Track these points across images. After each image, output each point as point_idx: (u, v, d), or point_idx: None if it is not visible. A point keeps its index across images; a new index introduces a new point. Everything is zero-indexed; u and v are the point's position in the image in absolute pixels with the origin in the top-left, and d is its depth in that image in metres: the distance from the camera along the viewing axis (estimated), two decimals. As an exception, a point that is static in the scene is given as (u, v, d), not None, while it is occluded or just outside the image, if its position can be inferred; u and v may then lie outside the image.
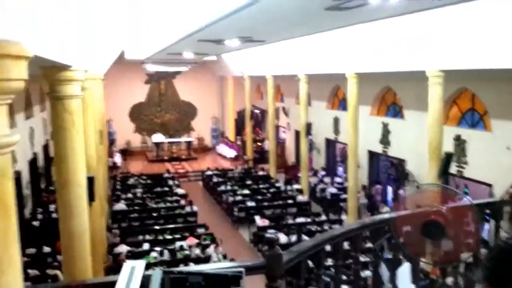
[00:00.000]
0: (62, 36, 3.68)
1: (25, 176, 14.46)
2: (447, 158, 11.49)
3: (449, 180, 13.14)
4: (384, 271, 4.21)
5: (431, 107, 11.18)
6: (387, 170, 17.21)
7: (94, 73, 9.62)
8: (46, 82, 5.20)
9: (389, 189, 17.34)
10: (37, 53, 2.56)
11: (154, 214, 15.98)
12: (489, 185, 12.25)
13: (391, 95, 16.66)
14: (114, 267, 11.04)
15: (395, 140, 16.13)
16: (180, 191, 19.01)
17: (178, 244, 12.91)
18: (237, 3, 6.76)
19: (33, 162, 15.63)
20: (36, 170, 16.02)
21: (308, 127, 18.27)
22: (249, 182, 20.09)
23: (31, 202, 15.05)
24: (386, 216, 4.39)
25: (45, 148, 17.90)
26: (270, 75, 20.96)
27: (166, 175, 21.84)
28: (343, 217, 15.55)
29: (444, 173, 11.54)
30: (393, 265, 4.15)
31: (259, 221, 15.10)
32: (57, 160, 5.60)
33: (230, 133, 29.32)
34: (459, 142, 13.11)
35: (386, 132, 16.54)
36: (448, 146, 12.48)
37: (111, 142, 26.25)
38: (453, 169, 12.40)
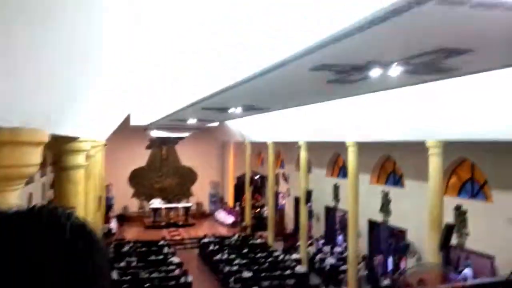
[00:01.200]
0: (72, 111, 3.78)
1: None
2: (448, 230, 11.33)
3: (450, 251, 12.90)
4: None
5: (431, 177, 11.23)
6: (388, 241, 16.92)
7: (98, 140, 9.75)
8: (51, 152, 5.26)
9: (390, 260, 16.93)
10: (51, 132, 2.62)
11: (146, 286, 15.42)
12: (491, 258, 12.01)
13: (390, 164, 16.78)
14: None
15: (396, 209, 16.00)
16: (175, 260, 18.52)
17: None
18: (243, 76, 7.01)
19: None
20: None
21: (308, 194, 18.19)
22: (246, 250, 19.64)
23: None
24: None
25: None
26: (271, 141, 21.23)
27: (162, 242, 21.40)
28: (344, 289, 15.06)
29: (445, 245, 11.34)
30: None
31: (256, 293, 14.57)
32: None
33: (230, 198, 29.12)
34: (460, 212, 13.03)
35: (386, 201, 16.46)
36: (449, 216, 12.38)
37: (109, 207, 25.97)
38: (454, 240, 12.20)
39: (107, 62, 3.30)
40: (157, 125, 23.00)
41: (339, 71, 6.21)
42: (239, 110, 14.09)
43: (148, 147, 29.36)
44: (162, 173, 29.53)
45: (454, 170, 13.73)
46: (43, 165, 17.86)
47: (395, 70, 5.81)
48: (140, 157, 29.19)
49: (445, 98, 9.81)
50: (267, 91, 9.51)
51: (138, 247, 20.44)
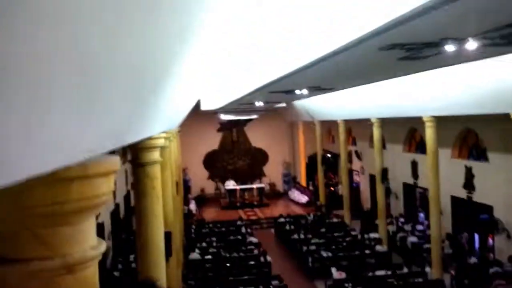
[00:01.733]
0: (143, 117, 3.86)
1: (107, 227, 15.17)
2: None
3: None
4: None
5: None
6: (473, 217, 15.96)
7: (171, 129, 10.07)
8: (128, 149, 5.50)
9: (476, 238, 15.99)
10: (123, 144, 2.68)
11: (228, 264, 15.95)
12: None
13: (472, 137, 15.68)
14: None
15: (480, 185, 15.00)
16: (253, 239, 18.90)
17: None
18: (310, 59, 6.83)
19: (115, 213, 16.41)
20: (118, 221, 16.79)
21: (384, 172, 17.60)
22: (323, 230, 19.55)
23: (111, 252, 15.69)
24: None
25: (126, 198, 18.79)
26: (341, 119, 20.74)
27: (239, 222, 21.92)
28: (427, 269, 14.49)
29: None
30: None
31: (336, 273, 14.46)
32: (138, 223, 5.82)
33: (302, 178, 29.08)
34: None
35: (469, 176, 15.46)
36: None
37: (187, 190, 27.05)
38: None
39: (171, 59, 3.30)
40: (226, 109, 23.38)
41: (410, 49, 5.82)
42: (305, 91, 13.89)
43: (219, 130, 30.04)
44: (234, 155, 30.14)
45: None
46: (124, 153, 18.85)
47: (471, 45, 5.32)
48: (212, 140, 29.99)
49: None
50: (334, 72, 9.22)
51: (217, 227, 21.15)
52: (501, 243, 13.96)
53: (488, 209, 14.48)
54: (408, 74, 10.32)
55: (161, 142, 5.51)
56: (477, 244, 15.84)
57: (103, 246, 1.93)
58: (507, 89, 9.87)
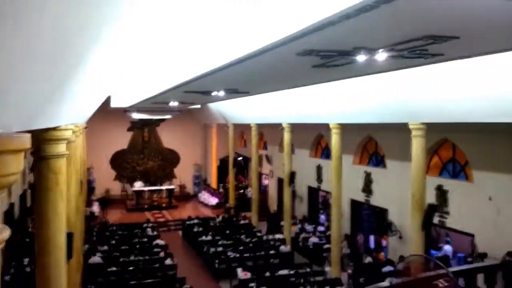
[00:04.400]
0: (52, 103, 3.64)
1: (0, 228, 13.89)
2: (431, 210, 11.57)
3: (431, 230, 13.18)
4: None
5: (414, 158, 11.37)
6: (369, 220, 17.21)
7: (78, 124, 9.53)
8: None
9: (371, 239, 17.26)
10: (31, 128, 2.50)
11: (131, 268, 15.43)
12: (471, 235, 12.33)
13: (372, 145, 16.93)
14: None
15: (378, 189, 16.24)
16: (159, 242, 18.52)
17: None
18: (227, 60, 6.89)
19: (8, 213, 15.07)
20: (12, 221, 15.44)
21: (292, 175, 18.28)
22: (230, 231, 19.75)
23: (2, 256, 14.39)
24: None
25: (22, 197, 17.36)
26: (254, 123, 21.17)
27: (145, 225, 21.35)
28: (327, 268, 15.33)
29: (427, 224, 11.58)
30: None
31: (241, 273, 14.69)
32: (38, 221, 5.41)
33: (213, 180, 29.11)
34: (441, 192, 13.28)
35: (368, 181, 16.66)
36: (430, 196, 12.60)
37: (90, 190, 25.69)
38: (435, 219, 12.47)
39: (87, 47, 3.16)
40: (138, 107, 22.67)
41: (325, 56, 6.15)
42: (222, 93, 13.94)
43: (129, 129, 28.99)
44: (144, 155, 29.28)
45: (436, 151, 13.93)
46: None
47: (381, 56, 5.78)
48: (121, 140, 28.85)
49: (427, 81, 9.87)
50: (251, 75, 9.39)
51: (122, 230, 20.36)
52: (393, 244, 15.20)
53: (384, 212, 15.71)
54: (323, 81, 10.84)
55: (68, 134, 5.18)
56: (372, 245, 17.09)
57: (6, 232, 1.79)
58: (405, 101, 10.83)
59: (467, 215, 12.37)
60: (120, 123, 27.91)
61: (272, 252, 17.15)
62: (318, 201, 21.14)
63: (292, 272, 14.74)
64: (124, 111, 24.85)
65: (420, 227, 11.37)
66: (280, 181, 21.84)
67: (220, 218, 22.35)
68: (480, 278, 10.87)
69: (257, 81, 11.10)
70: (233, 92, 13.90)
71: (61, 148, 5.10)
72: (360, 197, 17.01)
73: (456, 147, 13.22)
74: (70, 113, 4.35)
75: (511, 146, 11.11)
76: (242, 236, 18.95)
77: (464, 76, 8.88)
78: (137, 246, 17.89)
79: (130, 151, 29.08)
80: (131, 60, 10.97)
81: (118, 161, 28.77)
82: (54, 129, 4.82)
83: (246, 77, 9.77)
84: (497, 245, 11.26)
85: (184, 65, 9.52)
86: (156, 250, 17.67)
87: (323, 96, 14.11)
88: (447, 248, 14.61)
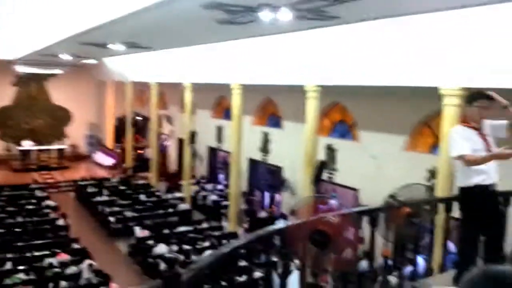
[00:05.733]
0: None
1: None
2: (321, 166, 12.50)
3: (321, 185, 14.24)
4: (275, 279, 4.39)
5: (308, 119, 12.05)
6: (266, 177, 18.03)
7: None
8: None
9: (266, 195, 18.17)
10: None
11: (18, 230, 14.52)
12: (356, 190, 13.59)
13: (271, 106, 17.53)
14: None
15: (274, 149, 16.99)
16: (50, 203, 17.58)
17: (47, 261, 11.90)
18: (127, 10, 6.60)
19: None
20: None
21: (193, 135, 18.31)
22: (128, 191, 19.37)
23: None
24: (279, 226, 4.60)
25: None
26: (154, 81, 20.59)
27: (33, 185, 20.04)
28: (224, 223, 15.88)
29: (317, 179, 12.50)
30: (284, 274, 4.27)
31: (139, 232, 14.64)
32: None
33: (109, 140, 27.94)
34: (330, 151, 14.33)
35: (266, 141, 17.34)
36: (321, 155, 13.54)
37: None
38: (324, 175, 13.50)
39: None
40: (25, 60, 20.74)
41: (230, 11, 6.20)
42: (120, 47, 13.28)
43: (15, 84, 26.37)
44: (32, 112, 26.97)
45: (328, 112, 14.88)
46: None
47: (284, 15, 5.99)
48: (4, 95, 26.18)
49: (323, 45, 10.45)
50: (153, 28, 9.11)
51: (8, 191, 18.91)
52: (287, 199, 16.16)
53: (279, 169, 16.56)
54: (227, 39, 10.88)
55: None
56: (266, 200, 18.03)
57: None
58: (303, 64, 11.35)
59: (353, 171, 13.55)
60: (3, 76, 25.26)
61: (171, 210, 17.25)
62: (217, 161, 21.52)
63: (191, 228, 15.05)
64: (8, 62, 22.53)
65: (311, 182, 12.25)
66: (180, 142, 21.75)
67: (117, 178, 21.74)
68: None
69: (159, 35, 10.80)
70: (134, 46, 13.36)
71: None
72: (258, 156, 17.67)
73: (345, 109, 14.25)
74: None
75: (396, 109, 12.24)
76: (141, 196, 18.72)
77: (357, 41, 9.57)
78: (25, 208, 16.81)
79: (16, 107, 26.58)
80: (17, 7, 10.00)
81: (1, 118, 26.19)
82: None
83: (145, 30, 9.46)
84: (378, 199, 12.53)
85: (79, 14, 8.92)
86: (46, 211, 16.80)
87: (225, 56, 14.20)
88: (333, 202, 15.94)
